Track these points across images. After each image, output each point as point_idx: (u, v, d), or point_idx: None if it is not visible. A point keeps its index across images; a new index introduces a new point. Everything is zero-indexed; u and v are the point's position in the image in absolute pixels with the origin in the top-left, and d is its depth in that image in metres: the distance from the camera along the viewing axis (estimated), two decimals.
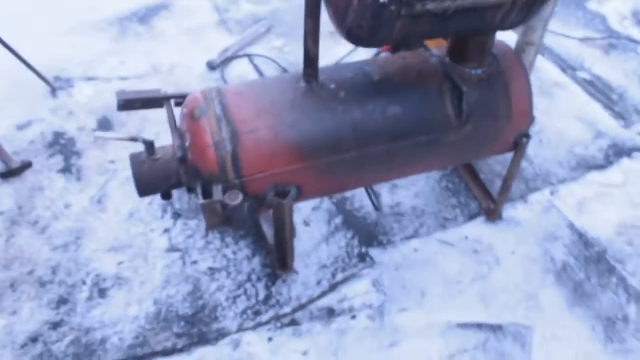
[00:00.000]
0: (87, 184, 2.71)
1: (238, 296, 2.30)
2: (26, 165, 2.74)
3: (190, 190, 2.03)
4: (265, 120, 1.91)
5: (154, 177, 2.03)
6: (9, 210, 2.58)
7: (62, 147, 2.88)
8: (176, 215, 2.58)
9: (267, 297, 2.30)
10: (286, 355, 2.14)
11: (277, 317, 2.25)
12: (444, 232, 2.57)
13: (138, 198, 2.16)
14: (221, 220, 2.05)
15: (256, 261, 2.42)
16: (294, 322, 2.24)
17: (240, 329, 2.21)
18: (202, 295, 2.30)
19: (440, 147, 2.10)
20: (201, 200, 1.90)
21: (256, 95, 1.99)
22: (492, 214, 2.58)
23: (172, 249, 2.46)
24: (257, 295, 2.31)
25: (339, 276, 2.38)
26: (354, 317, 2.24)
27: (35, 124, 2.98)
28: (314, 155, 1.96)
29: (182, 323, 2.22)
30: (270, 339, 2.19)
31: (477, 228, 2.59)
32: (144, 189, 2.04)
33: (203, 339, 2.18)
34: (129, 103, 2.01)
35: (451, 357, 2.12)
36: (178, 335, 2.19)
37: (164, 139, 2.26)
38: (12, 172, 2.71)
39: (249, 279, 2.36)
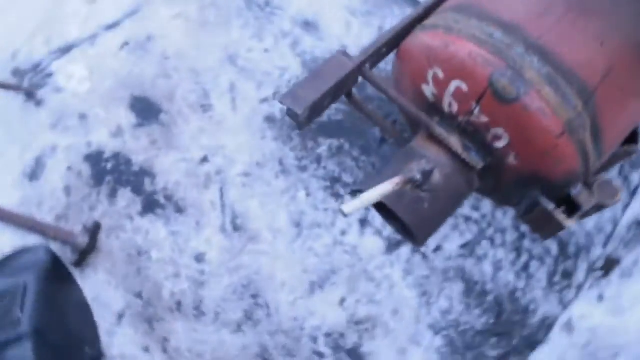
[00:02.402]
0: (203, 218, 1.84)
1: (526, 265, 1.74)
2: (95, 232, 1.80)
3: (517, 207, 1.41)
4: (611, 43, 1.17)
5: (434, 212, 1.29)
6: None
7: (119, 174, 1.90)
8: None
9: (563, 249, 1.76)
10: None
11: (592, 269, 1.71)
12: None
13: None
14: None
15: None
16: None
17: (565, 305, 1.71)
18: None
19: None
20: (568, 222, 1.19)
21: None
22: None
23: None
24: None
25: None
26: None
27: (47, 159, 1.93)
28: None
29: (494, 340, 1.68)
30: (600, 297, 1.67)
31: None
32: (424, 234, 1.30)
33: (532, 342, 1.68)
34: None
35: None
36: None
37: None
38: (85, 254, 1.76)
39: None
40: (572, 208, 1.22)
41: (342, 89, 1.36)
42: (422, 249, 1.77)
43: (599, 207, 1.21)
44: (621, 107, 1.20)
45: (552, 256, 1.76)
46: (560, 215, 1.22)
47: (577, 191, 1.22)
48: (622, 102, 1.19)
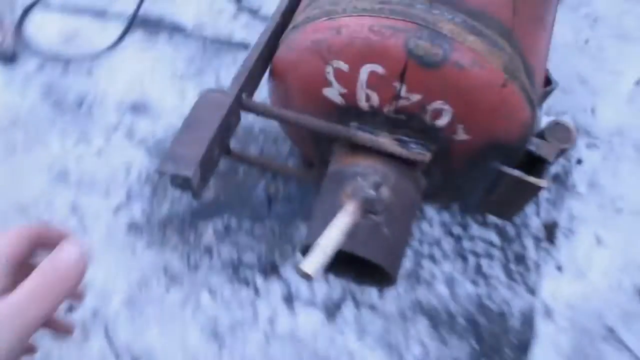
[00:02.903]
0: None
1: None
2: None
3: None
4: None
5: (396, 237, 1.03)
6: None
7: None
8: None
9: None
10: None
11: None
12: None
13: None
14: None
15: None
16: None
17: (532, 290, 1.52)
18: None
19: None
20: (542, 182, 1.00)
21: None
22: None
23: None
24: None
25: None
26: None
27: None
28: None
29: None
30: (559, 267, 1.52)
31: None
32: (395, 269, 1.05)
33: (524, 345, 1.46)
34: None
35: None
36: None
37: None
38: None
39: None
40: (536, 167, 1.05)
41: (227, 132, 1.07)
42: (366, 299, 1.51)
43: (559, 155, 1.04)
44: (536, 39, 1.06)
45: (497, 246, 1.60)
46: (531, 178, 1.03)
47: (535, 146, 1.04)
48: (534, 33, 1.05)
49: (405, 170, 1.05)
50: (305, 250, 1.02)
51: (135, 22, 1.99)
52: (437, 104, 0.97)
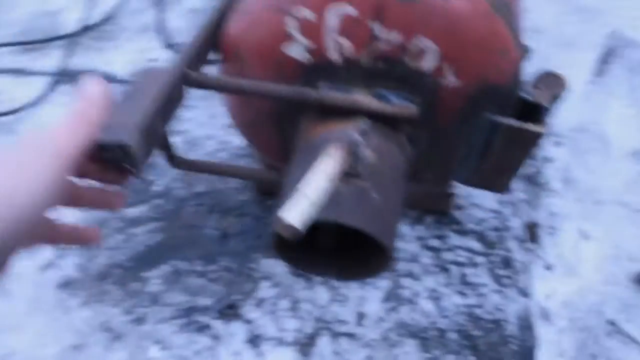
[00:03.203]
0: None
1: None
2: None
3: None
4: None
5: (388, 204, 0.85)
6: None
7: None
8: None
9: None
10: None
11: None
12: None
13: None
14: None
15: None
16: None
17: (525, 293, 1.35)
18: None
19: None
20: (541, 128, 0.88)
21: None
22: None
23: None
24: None
25: None
26: None
27: None
28: None
29: None
30: (548, 266, 1.37)
31: None
32: (391, 241, 0.85)
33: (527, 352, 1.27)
34: None
35: None
36: None
37: None
38: None
39: None
40: (531, 116, 0.92)
41: (171, 105, 0.89)
42: (343, 328, 1.32)
43: (553, 101, 0.93)
44: None
45: (479, 252, 1.45)
46: (530, 126, 0.89)
47: (528, 93, 0.92)
48: None
49: (388, 132, 0.90)
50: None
51: (62, 76, 1.88)
52: (421, 41, 0.85)
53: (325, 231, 0.91)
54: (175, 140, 1.63)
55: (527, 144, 0.94)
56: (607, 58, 1.92)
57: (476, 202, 1.53)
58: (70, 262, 1.42)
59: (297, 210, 0.67)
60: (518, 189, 1.56)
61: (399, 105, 0.88)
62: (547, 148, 1.65)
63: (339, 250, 0.93)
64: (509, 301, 1.37)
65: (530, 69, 0.98)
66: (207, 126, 1.69)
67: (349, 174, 0.80)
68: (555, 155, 1.63)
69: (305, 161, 0.84)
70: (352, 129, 0.82)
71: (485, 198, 1.54)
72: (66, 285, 1.38)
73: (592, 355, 1.33)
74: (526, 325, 1.35)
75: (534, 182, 1.58)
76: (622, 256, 1.48)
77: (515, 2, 0.99)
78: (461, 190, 1.53)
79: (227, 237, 1.46)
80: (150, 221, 1.50)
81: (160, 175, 1.58)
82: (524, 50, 1.05)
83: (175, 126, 1.66)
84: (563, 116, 1.75)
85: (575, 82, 1.91)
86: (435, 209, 1.48)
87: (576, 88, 1.83)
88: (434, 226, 1.49)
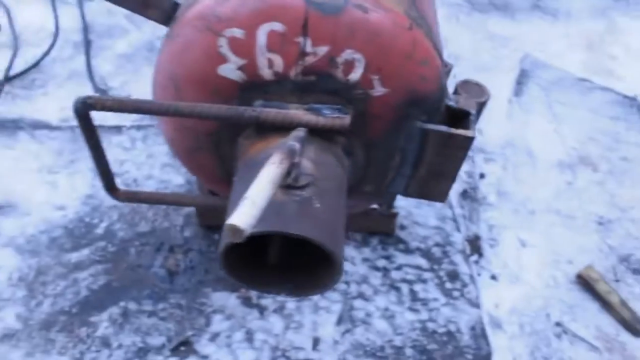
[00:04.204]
0: None
1: None
2: None
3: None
4: None
5: (332, 213, 0.90)
6: None
7: None
8: None
9: None
10: None
11: None
12: None
13: None
14: None
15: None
16: None
17: (475, 303, 1.42)
18: None
19: None
20: (470, 132, 0.95)
21: None
22: None
23: None
24: None
25: None
26: None
27: None
28: None
29: None
30: (493, 276, 1.44)
31: None
32: (339, 249, 0.88)
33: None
34: None
35: None
36: None
37: None
38: None
39: None
40: (459, 124, 0.98)
41: None
42: (300, 355, 1.32)
43: (479, 109, 0.99)
44: (425, 6, 1.03)
45: (426, 269, 1.50)
46: (459, 130, 0.96)
47: (454, 100, 0.99)
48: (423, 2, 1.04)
49: (324, 144, 0.94)
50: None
51: None
52: (348, 54, 0.90)
53: (274, 247, 0.93)
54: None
55: (458, 149, 1.00)
56: (522, 79, 2.07)
57: (418, 220, 1.60)
58: (10, 312, 1.36)
59: (242, 213, 0.69)
60: (457, 205, 1.64)
61: (332, 117, 0.93)
62: (479, 165, 1.74)
63: (291, 267, 0.96)
64: (460, 313, 1.43)
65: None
66: (145, 166, 1.68)
67: (290, 186, 0.84)
68: (487, 171, 1.73)
69: (247, 178, 0.85)
70: (291, 139, 0.85)
71: (427, 216, 1.61)
72: (6, 337, 1.33)
73: (544, 358, 1.39)
74: (479, 334, 1.40)
75: (471, 197, 1.67)
76: (560, 260, 1.57)
77: (431, 17, 1.06)
78: (403, 210, 1.60)
79: (175, 274, 1.45)
80: (94, 264, 1.46)
81: (101, 217, 1.56)
82: (446, 65, 1.13)
83: (114, 169, 1.65)
84: (491, 134, 1.87)
85: (497, 103, 2.05)
86: (380, 231, 1.54)
87: (499, 108, 1.96)
88: (380, 247, 1.54)
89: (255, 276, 0.94)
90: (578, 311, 1.45)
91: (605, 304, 1.47)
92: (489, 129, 1.88)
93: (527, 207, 1.66)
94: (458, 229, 1.57)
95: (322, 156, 0.90)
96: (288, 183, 0.82)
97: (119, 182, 1.59)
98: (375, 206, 1.43)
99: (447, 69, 1.19)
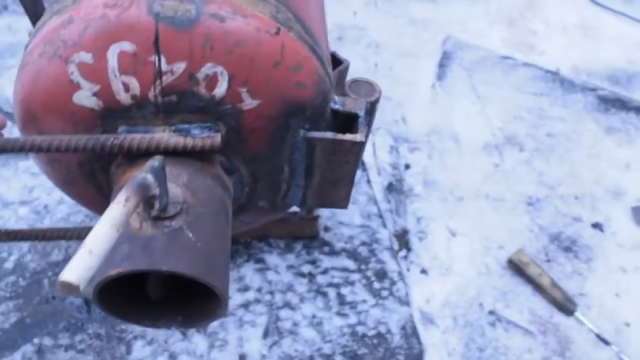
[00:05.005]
0: None
1: None
2: None
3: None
4: None
5: (210, 244, 0.83)
6: None
7: None
8: None
9: None
10: None
11: None
12: None
13: None
14: None
15: None
16: None
17: (405, 301, 1.39)
18: None
19: None
20: (359, 137, 0.90)
21: None
22: None
23: None
24: None
25: None
26: None
27: None
28: None
29: None
30: (423, 270, 1.42)
31: None
32: (222, 283, 0.83)
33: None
34: None
35: None
36: None
37: None
38: None
39: None
40: (349, 127, 0.94)
41: None
42: None
43: (370, 110, 0.95)
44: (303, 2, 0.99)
45: (353, 270, 1.47)
46: (346, 136, 0.91)
47: (340, 104, 0.94)
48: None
49: (199, 166, 0.88)
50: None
51: None
52: (208, 68, 0.84)
53: (152, 282, 0.88)
54: (22, 212, 1.55)
55: (348, 154, 0.95)
56: (445, 62, 2.05)
57: (343, 220, 1.56)
58: None
59: (76, 266, 0.63)
60: (382, 200, 1.61)
61: (201, 137, 0.87)
62: (404, 155, 1.71)
63: (180, 298, 0.91)
64: (390, 313, 1.40)
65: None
66: (56, 191, 1.60)
67: (157, 217, 0.78)
68: (413, 161, 1.70)
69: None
70: (144, 170, 0.80)
71: (352, 215, 1.58)
72: None
73: (479, 349, 1.38)
74: (410, 333, 1.37)
75: (397, 190, 1.64)
76: (491, 246, 1.56)
77: (310, 16, 1.01)
78: (327, 211, 1.56)
79: (90, 304, 1.39)
80: (4, 301, 1.39)
81: (10, 250, 1.48)
82: (341, 62, 1.09)
83: (22, 196, 1.57)
84: (415, 123, 1.84)
85: (421, 89, 2.03)
86: (303, 235, 1.50)
87: (423, 94, 1.93)
88: (305, 252, 1.50)
89: (143, 310, 0.88)
90: (511, 297, 1.44)
91: (537, 287, 1.47)
92: (413, 117, 1.86)
93: (455, 194, 1.64)
94: (384, 225, 1.55)
95: (196, 179, 0.84)
96: (155, 215, 0.77)
97: (25, 212, 1.53)
98: (295, 209, 1.39)
99: (342, 67, 1.15)
